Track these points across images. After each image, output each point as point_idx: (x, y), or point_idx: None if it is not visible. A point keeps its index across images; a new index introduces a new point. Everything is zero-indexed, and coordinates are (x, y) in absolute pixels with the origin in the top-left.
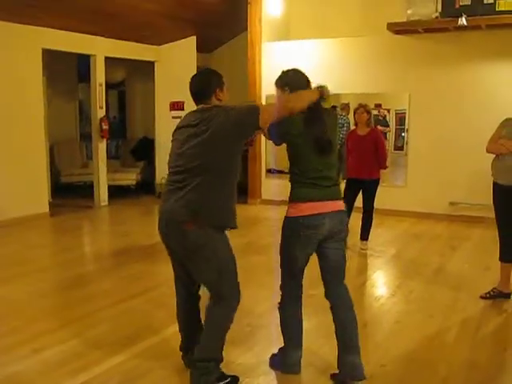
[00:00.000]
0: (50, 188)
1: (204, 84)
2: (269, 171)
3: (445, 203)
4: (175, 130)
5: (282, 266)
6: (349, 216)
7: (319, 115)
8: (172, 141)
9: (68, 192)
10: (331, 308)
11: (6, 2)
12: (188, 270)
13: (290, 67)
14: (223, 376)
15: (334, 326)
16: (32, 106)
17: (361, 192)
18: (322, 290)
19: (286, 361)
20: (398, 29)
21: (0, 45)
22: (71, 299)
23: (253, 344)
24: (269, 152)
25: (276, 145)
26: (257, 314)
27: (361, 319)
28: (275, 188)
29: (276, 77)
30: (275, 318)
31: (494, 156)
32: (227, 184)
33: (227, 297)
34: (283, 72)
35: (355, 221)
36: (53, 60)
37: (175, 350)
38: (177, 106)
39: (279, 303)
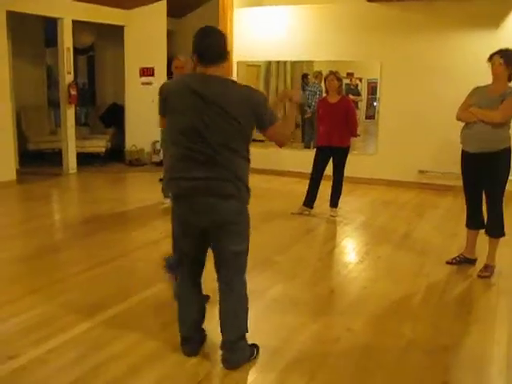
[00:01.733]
0: (18, 155)
1: (219, 46)
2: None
3: (414, 171)
4: (172, 94)
5: None
6: (319, 183)
7: None
8: (168, 105)
9: (36, 159)
10: None
11: None
12: (213, 245)
13: (261, 34)
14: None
15: None
16: None
17: (331, 159)
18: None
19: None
20: None
21: None
22: (37, 267)
23: None
24: None
25: None
26: None
27: (328, 286)
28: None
29: (247, 44)
30: None
31: (464, 124)
32: (247, 161)
33: (245, 267)
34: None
35: (325, 188)
36: (19, 23)
37: (142, 316)
38: (147, 71)
39: None
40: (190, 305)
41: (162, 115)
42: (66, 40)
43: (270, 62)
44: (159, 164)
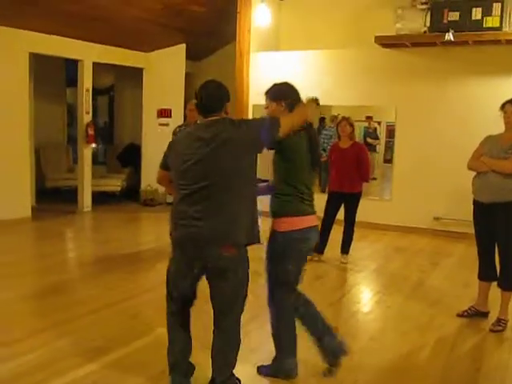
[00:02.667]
0: (35, 192)
1: (216, 97)
2: None
3: (429, 218)
4: (176, 143)
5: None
6: (330, 229)
7: (314, 132)
8: (173, 153)
9: (53, 196)
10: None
11: None
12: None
13: (278, 78)
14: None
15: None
16: (16, 110)
17: (343, 205)
18: None
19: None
20: (385, 42)
21: None
22: (42, 308)
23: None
24: None
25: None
26: None
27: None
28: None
29: (264, 87)
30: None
31: (475, 173)
32: (249, 198)
33: (239, 311)
34: (277, 85)
35: (336, 234)
36: (41, 64)
37: (145, 362)
38: (164, 113)
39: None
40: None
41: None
42: (86, 81)
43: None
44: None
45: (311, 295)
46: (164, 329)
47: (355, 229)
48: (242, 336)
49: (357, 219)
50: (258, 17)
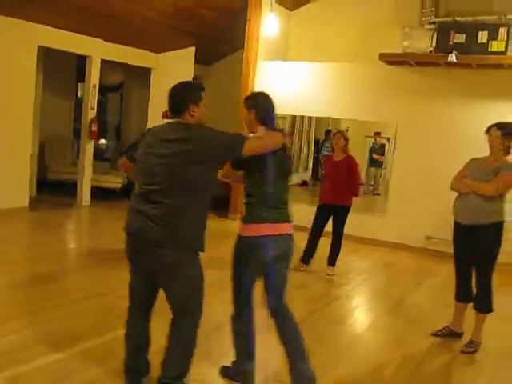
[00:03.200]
0: (36, 183)
1: (178, 98)
2: None
3: (421, 236)
4: (146, 138)
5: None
6: (318, 240)
7: (286, 158)
8: (143, 149)
9: (55, 189)
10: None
11: None
12: (154, 286)
13: (283, 87)
14: None
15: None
16: (22, 102)
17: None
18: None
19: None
20: (389, 59)
21: None
22: (26, 295)
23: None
24: None
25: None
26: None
27: (308, 344)
28: None
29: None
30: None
31: (457, 194)
32: (201, 207)
33: (194, 313)
34: (253, 93)
35: (324, 246)
36: (52, 58)
37: (111, 354)
38: (169, 114)
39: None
40: (135, 328)
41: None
42: (93, 77)
43: (294, 116)
44: None
45: (290, 303)
46: None
47: (345, 242)
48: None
49: (353, 233)
50: (267, 26)
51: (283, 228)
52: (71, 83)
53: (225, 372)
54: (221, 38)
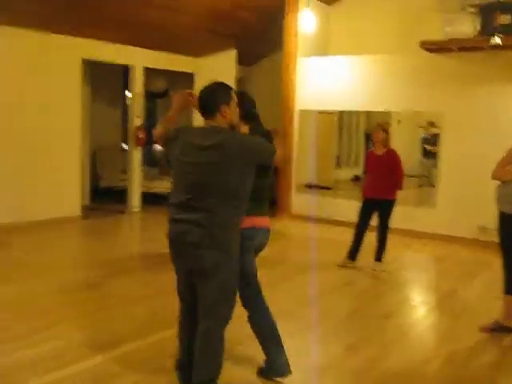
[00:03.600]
0: (90, 192)
1: (209, 99)
2: (308, 186)
3: (473, 227)
4: (179, 141)
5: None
6: (363, 236)
7: None
8: (178, 156)
9: (108, 196)
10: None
11: (48, 13)
12: (195, 287)
13: (325, 83)
14: None
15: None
16: (69, 114)
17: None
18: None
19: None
20: (430, 47)
21: (41, 54)
22: (72, 300)
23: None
24: (303, 167)
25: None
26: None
27: (346, 342)
28: (309, 203)
29: (311, 92)
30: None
31: (499, 182)
32: (238, 212)
33: (222, 316)
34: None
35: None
36: (99, 69)
37: (152, 358)
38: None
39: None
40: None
41: None
42: (137, 86)
43: (342, 111)
44: None
45: (338, 301)
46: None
47: (394, 236)
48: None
49: (402, 227)
50: (304, 22)
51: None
52: (118, 92)
53: (262, 373)
54: (261, 37)
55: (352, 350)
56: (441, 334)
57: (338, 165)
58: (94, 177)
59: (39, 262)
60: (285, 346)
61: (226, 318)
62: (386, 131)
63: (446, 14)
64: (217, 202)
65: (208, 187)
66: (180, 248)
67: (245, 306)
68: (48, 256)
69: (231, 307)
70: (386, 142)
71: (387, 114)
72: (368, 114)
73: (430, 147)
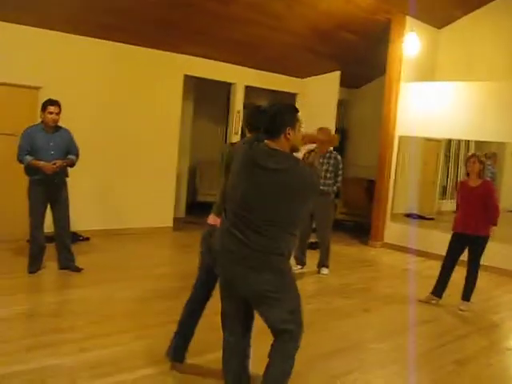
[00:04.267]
0: (186, 205)
1: (276, 120)
2: (408, 216)
3: None
4: (238, 158)
5: None
6: (450, 272)
7: None
8: (239, 173)
9: (204, 211)
10: None
11: (153, 31)
12: (255, 311)
13: (427, 109)
14: None
15: None
16: (170, 128)
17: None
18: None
19: None
20: None
21: (145, 70)
22: (141, 310)
23: None
24: (403, 195)
25: None
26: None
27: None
28: (405, 233)
29: (413, 118)
30: None
31: None
32: (294, 235)
33: (296, 335)
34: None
35: (459, 277)
36: (203, 86)
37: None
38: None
39: None
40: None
41: None
42: (237, 103)
43: (450, 140)
44: None
45: (414, 339)
46: None
47: (489, 275)
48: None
49: (499, 266)
50: (409, 46)
51: None
52: (222, 110)
53: None
54: (366, 60)
55: None
56: None
57: (444, 195)
58: (193, 191)
59: (125, 268)
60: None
61: (297, 337)
62: (481, 162)
63: None
64: (271, 226)
65: (264, 210)
66: (236, 270)
67: None
68: (134, 263)
69: (301, 325)
70: (481, 174)
71: (501, 144)
72: (479, 143)
73: None
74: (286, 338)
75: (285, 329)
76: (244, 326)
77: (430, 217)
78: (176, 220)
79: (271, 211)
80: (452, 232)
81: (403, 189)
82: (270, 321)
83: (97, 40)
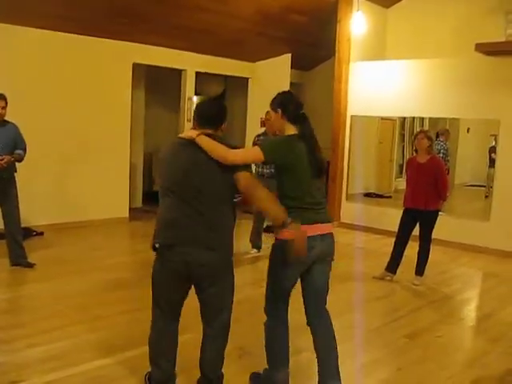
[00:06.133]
0: (142, 194)
1: (219, 113)
2: (367, 195)
3: None
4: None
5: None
6: (403, 247)
7: (313, 142)
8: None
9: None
10: (313, 334)
11: (100, 19)
12: (202, 296)
13: (378, 88)
14: None
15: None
16: (120, 119)
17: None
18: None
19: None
20: (489, 50)
21: (93, 59)
22: (94, 301)
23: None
24: (358, 174)
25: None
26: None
27: (360, 362)
28: (360, 212)
29: (364, 97)
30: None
31: None
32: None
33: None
34: (279, 93)
35: (412, 252)
36: (154, 74)
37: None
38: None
39: (265, 323)
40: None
41: None
42: (188, 90)
43: (404, 118)
44: None
45: (368, 315)
46: (189, 335)
47: (445, 249)
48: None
49: (454, 240)
50: (356, 25)
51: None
52: (174, 97)
53: (254, 380)
54: (315, 42)
55: (366, 371)
56: (469, 360)
57: (400, 174)
58: (148, 180)
59: (79, 261)
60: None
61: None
62: (429, 138)
63: (508, 14)
64: (218, 208)
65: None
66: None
67: None
68: (89, 255)
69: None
70: (429, 150)
71: (455, 120)
72: (433, 120)
73: (495, 156)
74: None
75: None
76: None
77: (388, 195)
78: (132, 210)
79: (218, 192)
80: (403, 208)
81: (359, 169)
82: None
83: (43, 31)
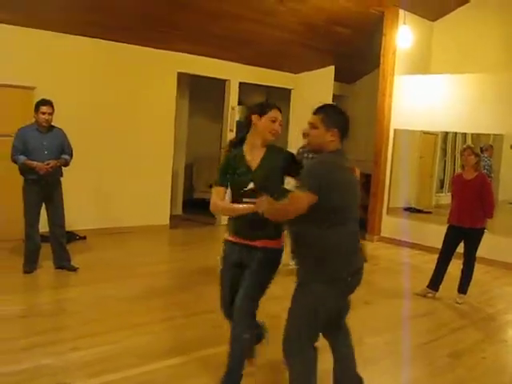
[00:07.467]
0: (182, 202)
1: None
2: (406, 210)
3: None
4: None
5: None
6: (446, 265)
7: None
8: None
9: (201, 208)
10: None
11: (146, 29)
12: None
13: (423, 102)
14: None
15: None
16: (164, 127)
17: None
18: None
19: None
20: None
21: (139, 68)
22: (135, 308)
23: None
24: (400, 188)
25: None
26: None
27: (411, 374)
28: (402, 227)
29: (408, 111)
30: None
31: None
32: None
33: None
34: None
35: (455, 270)
36: (199, 84)
37: (196, 373)
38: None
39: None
40: None
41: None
42: (232, 100)
43: (447, 133)
44: None
45: (409, 332)
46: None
47: (488, 268)
48: None
49: (498, 259)
50: (401, 39)
51: None
52: (217, 107)
53: None
54: (360, 55)
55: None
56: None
57: (441, 189)
58: (189, 188)
59: (121, 267)
60: None
61: None
62: (476, 155)
63: None
64: None
65: None
66: None
67: None
68: (130, 261)
69: None
70: (476, 166)
71: (498, 136)
72: (475, 136)
73: None
74: None
75: None
76: None
77: (428, 210)
78: (173, 217)
79: None
80: (447, 224)
81: (400, 182)
82: None
83: (89, 39)
